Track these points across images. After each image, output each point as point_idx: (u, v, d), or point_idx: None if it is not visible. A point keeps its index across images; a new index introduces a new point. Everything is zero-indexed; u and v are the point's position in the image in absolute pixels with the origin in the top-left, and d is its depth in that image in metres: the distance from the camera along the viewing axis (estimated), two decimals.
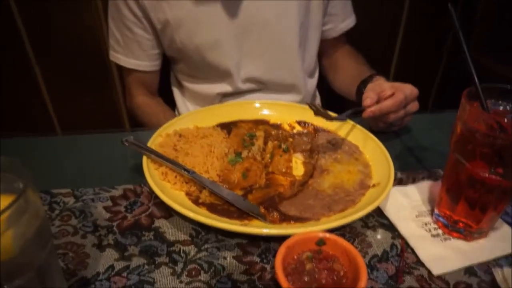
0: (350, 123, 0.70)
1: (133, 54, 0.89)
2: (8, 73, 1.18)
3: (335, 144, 0.67)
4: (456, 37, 0.49)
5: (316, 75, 1.00)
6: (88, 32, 1.14)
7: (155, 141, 0.63)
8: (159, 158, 0.58)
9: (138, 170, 0.57)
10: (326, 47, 0.97)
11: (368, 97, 0.66)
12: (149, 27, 0.86)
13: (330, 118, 0.63)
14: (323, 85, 1.04)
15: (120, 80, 1.23)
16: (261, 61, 0.88)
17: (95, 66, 1.21)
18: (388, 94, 0.66)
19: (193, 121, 0.70)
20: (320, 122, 0.71)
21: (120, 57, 0.90)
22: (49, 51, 1.16)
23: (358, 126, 0.69)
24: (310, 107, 0.63)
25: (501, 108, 0.47)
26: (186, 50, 0.86)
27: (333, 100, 1.00)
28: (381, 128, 0.71)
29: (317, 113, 0.63)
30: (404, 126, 0.73)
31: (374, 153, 0.63)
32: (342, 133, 0.70)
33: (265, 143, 0.67)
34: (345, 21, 0.95)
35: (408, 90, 0.67)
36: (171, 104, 1.01)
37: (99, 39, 1.16)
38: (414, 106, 0.69)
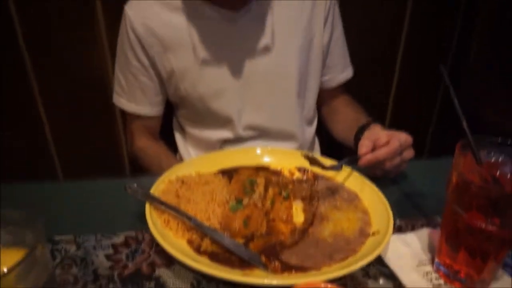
0: (348, 170, 0.71)
1: (136, 100, 0.92)
2: (12, 113, 1.20)
3: (334, 191, 0.68)
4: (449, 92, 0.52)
5: (315, 123, 1.03)
6: (94, 75, 1.19)
7: (158, 188, 0.64)
8: (162, 205, 0.59)
9: (141, 217, 0.58)
10: (324, 96, 1.01)
11: (364, 145, 0.68)
12: (154, 75, 0.90)
13: (325, 168, 0.65)
14: (322, 132, 1.07)
15: (123, 124, 1.26)
16: (262, 110, 0.92)
17: (99, 109, 1.24)
18: (383, 142, 0.68)
19: (195, 167, 0.72)
20: (319, 169, 0.73)
21: (123, 102, 0.94)
22: (55, 93, 1.19)
23: (356, 172, 0.71)
24: (305, 157, 0.65)
25: (493, 159, 0.49)
26: (189, 98, 0.89)
27: (332, 146, 1.03)
28: (378, 175, 0.73)
29: (312, 162, 0.65)
30: (401, 173, 0.75)
31: (373, 200, 0.64)
32: (341, 179, 0.71)
33: (266, 189, 0.68)
34: (343, 72, 1.00)
35: (403, 137, 0.69)
36: (173, 148, 1.03)
37: (104, 82, 1.20)
38: (409, 153, 0.71)
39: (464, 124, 0.47)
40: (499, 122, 1.20)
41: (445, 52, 1.37)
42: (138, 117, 0.95)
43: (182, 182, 0.66)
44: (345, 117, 0.97)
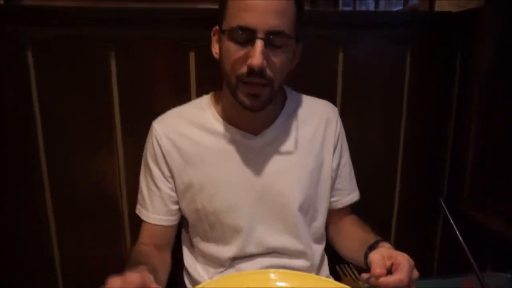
0: None
1: (154, 208, 0.97)
2: (22, 219, 1.22)
3: None
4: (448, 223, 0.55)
5: (324, 241, 1.05)
6: (106, 189, 1.23)
7: None
8: None
9: None
10: (331, 217, 1.06)
11: (379, 266, 0.69)
12: (173, 186, 0.96)
13: None
14: (329, 249, 1.08)
15: (131, 237, 1.27)
16: (272, 227, 0.95)
17: (108, 221, 1.26)
18: (397, 263, 0.70)
19: None
20: None
21: (144, 212, 0.98)
22: (65, 200, 1.23)
23: None
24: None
25: None
26: (204, 212, 0.94)
27: (340, 263, 1.03)
28: None
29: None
30: None
31: None
32: None
33: None
34: (349, 195, 1.06)
35: (407, 262, 0.70)
36: (177, 262, 1.02)
37: (116, 196, 1.24)
38: (415, 274, 0.71)
39: (473, 263, 0.50)
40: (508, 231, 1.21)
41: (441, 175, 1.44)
42: (153, 225, 0.98)
43: None
44: (353, 236, 0.99)
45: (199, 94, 1.08)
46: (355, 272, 0.71)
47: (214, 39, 0.91)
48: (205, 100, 0.98)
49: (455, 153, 1.40)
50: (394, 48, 1.30)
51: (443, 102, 1.37)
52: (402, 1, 2.17)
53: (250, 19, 0.77)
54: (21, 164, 1.18)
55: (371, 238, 0.88)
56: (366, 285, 0.70)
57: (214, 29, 0.90)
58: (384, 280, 0.68)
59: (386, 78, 1.31)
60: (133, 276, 0.60)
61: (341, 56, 1.26)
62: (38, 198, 1.21)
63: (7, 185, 1.19)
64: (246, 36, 0.78)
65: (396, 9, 1.29)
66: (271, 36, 0.78)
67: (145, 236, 0.99)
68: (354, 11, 1.28)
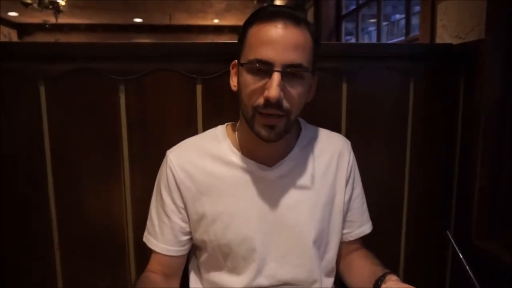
0: None
1: (164, 238, 0.96)
2: (27, 255, 1.22)
3: None
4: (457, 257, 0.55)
5: (334, 274, 1.04)
6: (112, 222, 1.23)
7: None
8: None
9: None
10: (342, 248, 1.04)
11: None
12: (186, 216, 0.96)
13: None
14: (338, 282, 1.07)
15: (136, 269, 1.26)
16: (285, 260, 0.94)
17: (113, 254, 1.25)
18: None
19: None
20: None
21: (152, 241, 0.97)
22: (71, 231, 1.23)
23: None
24: None
25: None
26: (217, 242, 0.93)
27: None
28: None
29: None
30: None
31: None
32: None
33: None
34: (361, 227, 1.05)
35: None
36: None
37: (121, 229, 1.24)
38: None
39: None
40: None
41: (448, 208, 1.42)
42: (161, 256, 0.97)
43: None
44: (362, 269, 0.98)
45: (206, 127, 1.11)
46: None
47: (233, 72, 0.92)
48: (220, 131, 0.99)
49: (462, 184, 1.39)
50: (397, 79, 1.31)
51: (448, 132, 1.38)
52: (404, 31, 2.22)
53: (268, 53, 0.79)
54: (30, 197, 1.20)
55: (379, 271, 0.87)
56: None
57: (232, 63, 0.92)
58: None
59: (390, 109, 1.33)
60: None
61: (344, 87, 1.28)
62: (45, 234, 1.21)
63: (16, 218, 1.20)
64: (264, 68, 0.80)
65: (398, 40, 1.33)
66: (288, 69, 0.80)
67: (153, 264, 0.98)
68: (357, 43, 1.31)
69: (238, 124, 0.96)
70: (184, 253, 0.99)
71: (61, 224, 1.22)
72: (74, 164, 1.19)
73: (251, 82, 0.82)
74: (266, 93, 0.79)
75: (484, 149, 1.30)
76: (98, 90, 1.18)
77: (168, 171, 0.95)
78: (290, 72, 0.80)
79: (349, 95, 1.28)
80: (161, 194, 0.96)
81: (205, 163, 0.94)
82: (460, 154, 1.38)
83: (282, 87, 0.79)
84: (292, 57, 0.80)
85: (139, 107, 1.20)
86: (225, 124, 1.02)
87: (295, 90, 0.82)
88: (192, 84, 1.20)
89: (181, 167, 0.94)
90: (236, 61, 0.90)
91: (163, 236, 0.96)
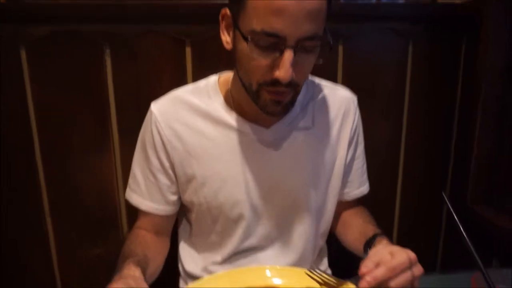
0: None
1: (152, 197, 0.91)
2: (19, 224, 1.21)
3: None
4: (452, 218, 0.53)
5: (327, 233, 1.02)
6: (104, 189, 1.22)
7: None
8: None
9: None
10: (338, 207, 1.01)
11: (364, 266, 0.66)
12: (174, 177, 0.90)
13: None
14: (331, 242, 1.06)
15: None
16: (278, 222, 0.91)
17: (106, 223, 1.24)
18: (385, 261, 0.67)
19: None
20: None
21: (137, 199, 0.91)
22: (62, 201, 1.21)
23: None
24: (311, 277, 0.64)
25: None
26: (207, 205, 0.89)
27: (342, 256, 1.01)
28: None
29: (321, 284, 0.66)
30: None
31: None
32: None
33: None
34: (359, 188, 1.02)
35: (404, 254, 0.67)
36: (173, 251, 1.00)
37: (113, 197, 1.22)
38: (417, 270, 0.68)
39: (478, 260, 0.47)
40: None
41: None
42: (150, 214, 0.92)
43: None
44: (354, 228, 0.97)
45: None
46: (325, 276, 0.68)
47: (224, 25, 0.77)
48: (212, 85, 0.89)
49: (459, 147, 1.37)
50: (395, 42, 1.26)
51: (447, 95, 1.34)
52: None
53: (279, 25, 0.64)
54: (17, 165, 1.17)
55: (370, 230, 0.86)
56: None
57: (222, 11, 0.76)
58: (367, 278, 0.64)
59: (388, 71, 1.28)
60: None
61: (340, 49, 1.23)
62: (35, 200, 1.19)
63: (4, 187, 1.17)
64: (273, 42, 0.67)
65: (399, 1, 1.27)
66: (303, 43, 0.67)
67: (142, 221, 0.94)
68: (354, 2, 1.24)
69: (232, 79, 0.86)
70: (173, 212, 0.94)
71: (50, 192, 1.19)
72: (61, 131, 1.16)
73: (256, 56, 0.68)
74: (276, 73, 0.68)
75: (484, 114, 1.27)
76: (83, 54, 1.12)
77: (154, 128, 0.86)
78: (304, 45, 0.68)
79: (345, 58, 1.23)
80: (146, 152, 0.88)
81: (194, 121, 0.86)
82: (460, 117, 1.36)
83: (294, 64, 0.68)
84: (307, 27, 0.66)
85: (126, 71, 1.15)
86: (218, 75, 0.91)
87: (307, 63, 0.72)
88: (181, 46, 1.15)
89: (168, 125, 0.86)
90: (227, 11, 0.75)
91: (150, 195, 0.90)
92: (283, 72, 0.67)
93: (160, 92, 1.17)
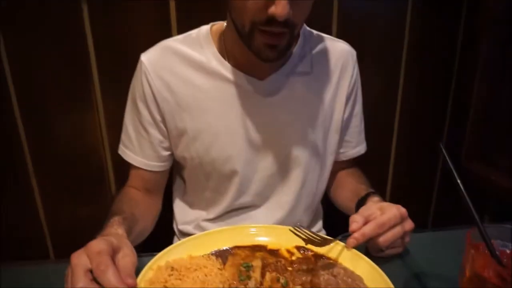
0: (353, 250, 0.66)
1: (143, 153, 0.88)
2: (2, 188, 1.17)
3: (337, 275, 0.63)
4: (448, 170, 0.49)
5: (323, 192, 0.99)
6: (88, 146, 1.17)
7: (145, 276, 0.59)
8: None
9: None
10: (333, 167, 0.97)
11: (354, 221, 0.65)
12: (165, 131, 0.86)
13: (319, 245, 0.64)
14: (326, 201, 1.04)
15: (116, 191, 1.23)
16: (271, 181, 0.88)
17: (91, 176, 1.21)
18: (374, 217, 0.65)
19: (187, 250, 0.67)
20: (320, 248, 0.69)
21: (129, 154, 0.89)
22: (46, 159, 1.17)
23: (359, 254, 0.66)
24: (297, 234, 0.63)
25: (508, 250, 0.45)
26: (199, 160, 0.85)
27: (337, 218, 0.99)
28: (381, 254, 0.68)
29: (306, 241, 0.65)
30: (406, 249, 0.71)
31: (379, 285, 0.59)
32: (343, 261, 0.66)
33: (263, 275, 0.63)
34: (356, 148, 0.98)
35: (393, 210, 0.66)
36: (167, 209, 0.98)
37: (98, 153, 1.18)
38: (408, 225, 0.67)
39: (475, 214, 0.44)
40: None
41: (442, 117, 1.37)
42: (141, 170, 0.89)
43: (172, 268, 0.61)
44: (347, 187, 0.94)
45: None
46: (309, 232, 0.67)
47: None
48: (204, 35, 0.83)
49: (456, 103, 1.33)
50: None
51: (447, 46, 1.28)
52: None
53: None
54: None
55: (362, 190, 0.83)
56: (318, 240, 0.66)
57: None
58: (356, 235, 0.63)
59: (385, 24, 1.21)
60: (97, 246, 0.54)
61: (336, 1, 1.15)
62: (19, 161, 1.15)
63: None
64: None
65: None
66: None
67: (133, 179, 0.91)
68: None
69: (225, 27, 0.82)
70: (165, 168, 0.91)
71: (33, 152, 1.15)
72: (41, 89, 1.09)
73: None
74: (272, 9, 0.63)
75: (483, 69, 1.23)
76: (59, 3, 1.03)
77: (143, 78, 0.82)
78: None
79: (340, 10, 1.15)
80: (136, 105, 0.84)
81: (186, 72, 0.81)
82: (458, 72, 1.30)
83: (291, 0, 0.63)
84: None
85: (105, 23, 1.06)
86: (210, 25, 0.86)
87: (305, 2, 0.68)
88: None
89: (158, 75, 0.81)
90: None
91: (142, 151, 0.87)
92: (280, 7, 0.62)
93: (142, 42, 1.10)
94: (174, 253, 0.66)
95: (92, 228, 1.26)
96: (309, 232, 0.67)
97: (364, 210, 0.69)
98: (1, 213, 1.19)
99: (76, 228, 1.24)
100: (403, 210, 0.67)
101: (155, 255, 0.64)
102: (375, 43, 1.23)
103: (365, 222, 0.65)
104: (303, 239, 0.66)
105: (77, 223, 1.24)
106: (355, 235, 0.63)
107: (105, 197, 1.23)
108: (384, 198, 0.80)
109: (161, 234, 0.93)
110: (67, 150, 1.16)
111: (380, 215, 0.65)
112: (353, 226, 0.64)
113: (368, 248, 0.70)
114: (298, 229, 0.66)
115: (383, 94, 1.29)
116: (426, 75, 1.30)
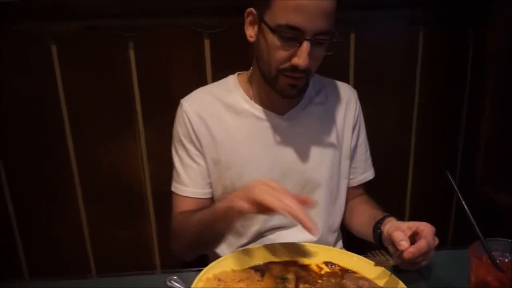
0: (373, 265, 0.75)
1: (192, 182, 0.99)
2: (53, 213, 1.31)
3: (362, 286, 0.72)
4: (458, 199, 0.58)
5: (342, 215, 1.09)
6: (131, 174, 1.30)
7: (196, 286, 0.69)
8: None
9: None
10: (346, 195, 1.08)
11: (402, 240, 0.72)
12: (205, 161, 0.99)
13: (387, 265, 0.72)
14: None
15: (156, 218, 1.34)
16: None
17: (132, 202, 1.33)
18: (420, 230, 0.74)
19: (229, 265, 0.77)
20: (346, 263, 0.78)
21: (180, 187, 0.99)
22: (92, 184, 1.30)
23: (381, 267, 0.74)
24: (370, 257, 0.74)
25: (507, 260, 0.53)
26: (232, 187, 0.97)
27: (354, 237, 1.07)
28: (408, 267, 0.76)
29: (377, 263, 0.73)
30: (426, 265, 0.78)
31: None
32: (367, 274, 0.75)
33: (297, 286, 0.72)
34: (363, 174, 1.10)
35: (430, 227, 0.75)
36: None
37: (139, 181, 1.31)
38: (436, 240, 0.75)
39: (477, 230, 0.53)
40: None
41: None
42: (190, 199, 0.99)
43: (219, 280, 0.71)
44: (364, 213, 1.03)
45: (215, 79, 1.12)
46: (384, 253, 0.75)
47: (248, 21, 0.90)
48: (231, 81, 1.01)
49: (469, 130, 1.41)
50: (407, 28, 1.30)
51: (457, 78, 1.37)
52: None
53: (300, 20, 0.79)
54: (50, 155, 1.26)
55: (378, 214, 0.92)
56: (391, 261, 0.74)
57: (248, 10, 0.89)
58: (411, 249, 0.71)
59: (399, 57, 1.32)
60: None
61: (352, 37, 1.27)
62: (67, 181, 1.29)
63: (40, 176, 1.27)
64: (294, 35, 0.80)
65: None
66: (317, 37, 0.81)
67: (183, 208, 1.00)
68: None
69: (250, 74, 0.99)
70: (210, 196, 1.02)
71: (83, 180, 1.29)
72: (91, 123, 1.25)
73: (278, 46, 0.82)
74: (295, 60, 0.82)
75: (492, 94, 1.30)
76: (107, 48, 1.19)
77: (185, 117, 0.97)
78: (318, 39, 0.82)
79: (357, 45, 1.28)
80: (182, 142, 0.99)
81: (219, 111, 0.97)
82: (469, 100, 1.39)
83: (309, 53, 0.81)
84: (323, 24, 0.80)
85: (148, 62, 1.22)
86: (236, 74, 1.03)
87: (319, 53, 0.85)
88: (200, 38, 1.21)
89: (196, 114, 0.97)
90: (252, 9, 0.88)
91: (192, 181, 0.99)
92: (302, 59, 0.81)
93: (181, 81, 1.24)
94: (218, 267, 0.76)
95: (130, 249, 1.39)
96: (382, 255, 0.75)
97: (397, 228, 0.77)
98: (50, 232, 1.32)
99: (116, 248, 1.36)
100: (433, 227, 0.75)
101: (197, 271, 0.73)
102: (390, 77, 1.34)
103: (410, 235, 0.74)
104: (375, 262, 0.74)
105: (117, 244, 1.36)
106: (411, 249, 0.71)
107: (143, 222, 1.35)
108: (403, 220, 0.87)
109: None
110: (111, 177, 1.30)
111: (425, 231, 0.73)
112: (403, 244, 0.72)
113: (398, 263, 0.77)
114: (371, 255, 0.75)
115: (399, 123, 1.38)
116: (438, 105, 1.39)
